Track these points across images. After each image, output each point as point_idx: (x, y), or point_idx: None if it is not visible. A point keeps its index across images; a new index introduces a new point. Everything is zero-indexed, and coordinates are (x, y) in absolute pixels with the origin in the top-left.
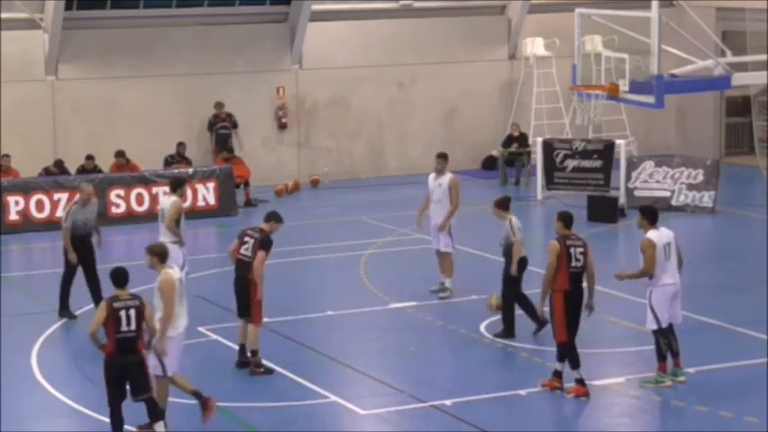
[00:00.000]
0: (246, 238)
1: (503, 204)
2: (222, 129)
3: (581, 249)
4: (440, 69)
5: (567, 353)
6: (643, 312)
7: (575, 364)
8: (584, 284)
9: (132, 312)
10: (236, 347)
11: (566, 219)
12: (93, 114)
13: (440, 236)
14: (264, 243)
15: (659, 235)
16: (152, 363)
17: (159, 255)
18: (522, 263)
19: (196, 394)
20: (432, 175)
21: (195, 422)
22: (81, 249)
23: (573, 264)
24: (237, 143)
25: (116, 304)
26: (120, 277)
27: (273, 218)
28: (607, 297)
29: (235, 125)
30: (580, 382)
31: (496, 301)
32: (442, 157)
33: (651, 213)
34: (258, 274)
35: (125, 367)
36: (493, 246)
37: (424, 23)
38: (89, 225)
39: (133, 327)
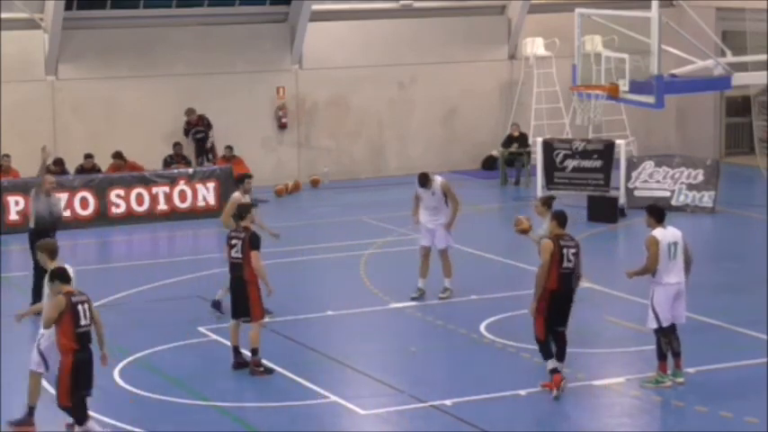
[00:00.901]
0: (233, 241)
1: (547, 202)
2: (198, 133)
3: (573, 250)
4: (440, 69)
5: (540, 347)
6: (643, 312)
7: (547, 355)
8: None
9: (86, 307)
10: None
11: (560, 218)
12: (93, 114)
13: (439, 235)
14: (253, 242)
15: (665, 233)
16: (34, 359)
17: (47, 251)
18: None
19: (31, 409)
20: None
21: (196, 422)
22: None
23: (564, 264)
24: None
25: (74, 299)
26: (66, 274)
27: (247, 210)
28: (607, 297)
29: (209, 126)
30: (554, 371)
31: (526, 224)
32: (426, 178)
33: (658, 212)
34: (261, 273)
35: (86, 362)
36: (492, 246)
37: (424, 23)
38: (54, 214)
39: (89, 321)
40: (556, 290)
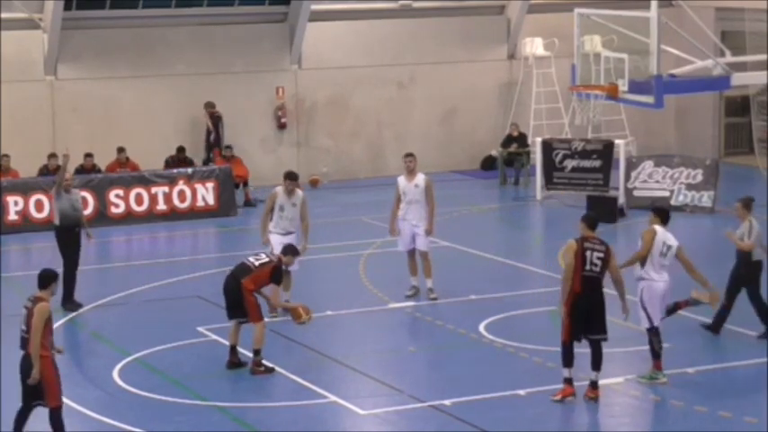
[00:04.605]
0: (263, 254)
1: (748, 204)
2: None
3: (600, 254)
4: (439, 69)
5: (562, 351)
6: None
7: (566, 362)
8: (603, 290)
9: (25, 312)
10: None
11: (589, 220)
12: (92, 114)
13: (420, 236)
14: (275, 274)
15: (664, 232)
16: None
17: None
18: (756, 266)
19: None
20: (401, 177)
21: (196, 422)
22: (70, 241)
23: (587, 267)
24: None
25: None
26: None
27: (291, 251)
28: (607, 297)
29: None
30: (568, 381)
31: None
32: (413, 155)
33: (663, 213)
34: (251, 289)
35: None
36: (491, 246)
37: (423, 23)
38: (76, 210)
39: (24, 327)
40: (579, 293)
